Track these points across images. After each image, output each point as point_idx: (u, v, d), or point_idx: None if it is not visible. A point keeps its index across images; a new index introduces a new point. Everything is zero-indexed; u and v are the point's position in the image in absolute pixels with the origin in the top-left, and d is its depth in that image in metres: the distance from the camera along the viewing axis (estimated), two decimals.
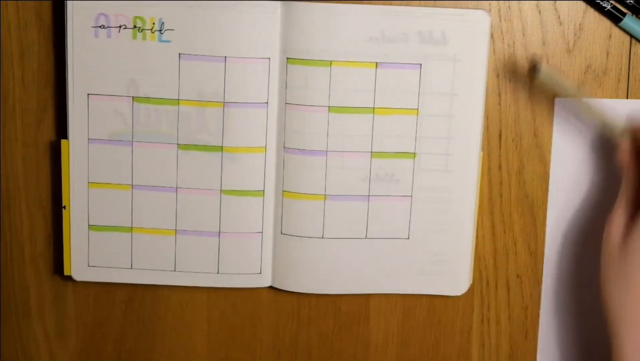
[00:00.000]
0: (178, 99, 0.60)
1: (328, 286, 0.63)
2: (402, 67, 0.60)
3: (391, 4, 0.59)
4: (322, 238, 0.62)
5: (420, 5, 0.60)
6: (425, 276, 0.63)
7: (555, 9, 0.60)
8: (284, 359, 0.67)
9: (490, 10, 0.60)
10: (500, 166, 0.63)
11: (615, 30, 0.60)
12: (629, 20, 0.59)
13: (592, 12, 0.60)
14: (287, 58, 0.59)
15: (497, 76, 0.61)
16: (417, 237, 0.62)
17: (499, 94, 0.62)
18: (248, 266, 0.63)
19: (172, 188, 0.61)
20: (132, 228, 0.62)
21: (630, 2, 0.59)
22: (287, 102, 0.60)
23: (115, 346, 0.67)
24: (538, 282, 0.64)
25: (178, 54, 0.59)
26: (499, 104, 0.62)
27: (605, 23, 0.60)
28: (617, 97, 0.61)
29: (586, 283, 0.64)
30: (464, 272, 0.63)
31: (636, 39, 0.60)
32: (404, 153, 0.61)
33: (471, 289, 0.64)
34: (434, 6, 0.59)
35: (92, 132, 0.60)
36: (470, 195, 0.61)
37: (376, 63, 0.60)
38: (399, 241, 0.62)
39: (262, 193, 0.62)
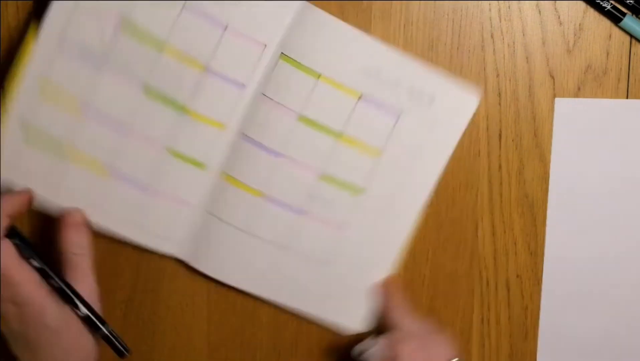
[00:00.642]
0: (165, 41, 0.59)
1: (234, 279, 0.63)
2: (382, 108, 0.60)
3: (399, 50, 0.59)
4: (245, 232, 0.62)
5: (425, 63, 0.60)
6: (331, 302, 0.63)
7: (555, 9, 0.60)
8: (284, 359, 0.67)
9: (490, 10, 0.60)
10: (500, 166, 0.63)
11: (615, 30, 0.60)
12: (629, 20, 0.59)
13: (592, 12, 0.60)
14: (282, 53, 0.59)
15: (497, 75, 0.61)
16: (336, 264, 0.62)
17: (499, 94, 0.62)
18: (163, 229, 0.62)
19: (121, 124, 0.60)
20: (67, 149, 0.60)
21: (630, 2, 0.59)
22: (264, 93, 0.60)
23: None
24: (538, 282, 0.64)
25: (184, 1, 0.58)
26: (499, 104, 0.62)
27: (605, 23, 0.60)
28: (617, 97, 0.61)
29: (586, 282, 0.64)
30: (361, 312, 0.63)
31: (636, 39, 0.60)
32: (352, 186, 0.61)
33: (471, 289, 0.64)
34: (437, 69, 0.60)
35: (67, 37, 0.58)
36: (394, 250, 0.62)
37: (360, 94, 0.60)
38: (316, 263, 0.62)
39: (204, 166, 0.61)
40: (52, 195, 0.61)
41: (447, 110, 0.60)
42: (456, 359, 0.58)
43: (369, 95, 0.60)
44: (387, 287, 0.62)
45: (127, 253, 0.66)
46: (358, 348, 0.60)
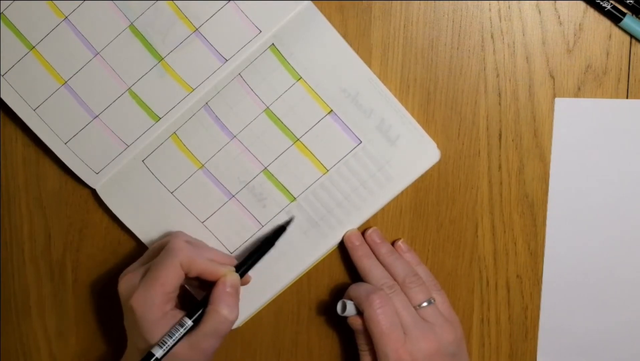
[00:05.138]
0: None
1: (142, 232, 0.63)
2: (346, 130, 0.61)
3: (382, 82, 0.60)
4: (171, 193, 0.62)
5: (402, 103, 0.61)
6: None
7: (555, 9, 0.60)
8: (284, 359, 0.67)
9: (490, 10, 0.60)
10: (500, 166, 0.63)
11: (615, 30, 0.60)
12: (629, 20, 0.59)
13: (592, 12, 0.60)
14: (272, 44, 0.60)
15: (497, 75, 0.61)
16: (239, 256, 0.63)
17: (499, 94, 0.62)
18: (90, 157, 0.62)
19: (94, 49, 0.60)
20: (33, 46, 0.60)
21: (630, 2, 0.59)
22: (242, 74, 0.60)
23: (116, 347, 0.67)
24: (538, 282, 0.64)
25: None
26: (499, 104, 0.62)
27: (605, 23, 0.60)
28: (617, 97, 0.61)
29: (586, 282, 0.64)
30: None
31: (636, 39, 0.60)
32: (288, 192, 0.62)
33: (471, 289, 0.64)
34: (413, 116, 0.60)
35: None
36: (298, 267, 0.63)
37: (331, 110, 0.60)
38: (222, 249, 0.63)
39: (157, 118, 0.61)
40: (14, 77, 0.61)
41: (406, 155, 0.61)
42: (432, 298, 0.60)
43: (339, 114, 0.60)
44: (349, 241, 0.62)
45: (127, 253, 0.66)
46: (340, 305, 0.60)
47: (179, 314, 0.57)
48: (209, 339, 0.56)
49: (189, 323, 0.56)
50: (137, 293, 0.56)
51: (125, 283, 0.58)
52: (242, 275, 0.59)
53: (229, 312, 0.56)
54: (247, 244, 0.63)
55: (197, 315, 0.56)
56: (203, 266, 0.57)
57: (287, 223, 0.61)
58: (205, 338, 0.56)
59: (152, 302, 0.55)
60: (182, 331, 0.56)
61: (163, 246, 0.59)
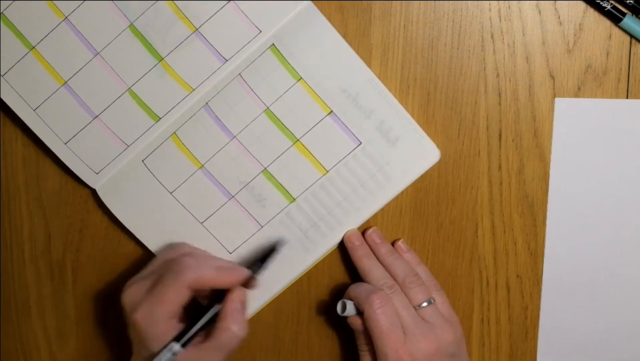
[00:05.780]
0: None
1: (142, 233, 0.63)
2: (346, 131, 0.61)
3: (383, 83, 0.60)
4: (170, 193, 0.62)
5: (402, 103, 0.61)
6: None
7: (555, 9, 0.60)
8: (284, 359, 0.67)
9: (490, 10, 0.60)
10: (500, 166, 0.63)
11: (615, 30, 0.60)
12: (629, 20, 0.59)
13: (592, 12, 0.60)
14: (273, 44, 0.60)
15: (497, 75, 0.61)
16: (238, 257, 0.63)
17: (499, 94, 0.62)
18: (90, 157, 0.62)
19: (94, 49, 0.60)
20: (33, 46, 0.60)
21: (630, 2, 0.59)
22: (242, 75, 0.60)
23: (115, 347, 0.67)
24: (538, 282, 0.64)
25: None
26: (499, 104, 0.62)
27: (605, 23, 0.60)
28: (617, 97, 0.61)
29: (586, 282, 0.64)
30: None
31: (636, 39, 0.60)
32: (287, 192, 0.62)
33: (471, 289, 0.64)
34: (413, 117, 0.61)
35: None
36: (295, 271, 0.63)
37: (331, 111, 0.60)
38: (222, 250, 0.63)
39: (157, 118, 0.61)
40: (14, 78, 0.61)
41: (406, 156, 0.61)
42: (432, 298, 0.60)
43: (339, 114, 0.60)
44: (349, 241, 0.62)
45: (127, 253, 0.66)
46: (340, 305, 0.60)
47: (182, 325, 0.57)
48: (217, 354, 0.56)
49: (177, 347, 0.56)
50: (141, 309, 0.56)
51: (129, 296, 0.57)
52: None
53: (238, 329, 0.56)
54: (246, 244, 0.63)
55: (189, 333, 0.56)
56: (213, 281, 0.57)
57: (278, 244, 0.61)
58: (214, 353, 0.56)
59: (156, 318, 0.55)
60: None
61: (168, 260, 0.59)
